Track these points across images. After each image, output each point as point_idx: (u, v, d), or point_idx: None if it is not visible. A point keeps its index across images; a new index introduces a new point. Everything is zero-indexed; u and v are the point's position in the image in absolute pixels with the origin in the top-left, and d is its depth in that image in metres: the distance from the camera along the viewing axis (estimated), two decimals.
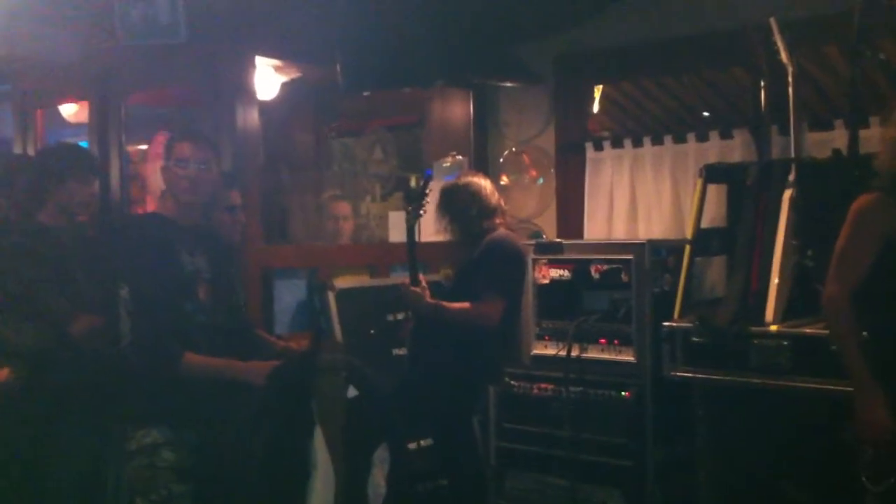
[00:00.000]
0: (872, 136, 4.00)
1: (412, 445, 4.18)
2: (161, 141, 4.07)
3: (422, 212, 3.89)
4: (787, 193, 3.71)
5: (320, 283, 4.24)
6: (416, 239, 4.21)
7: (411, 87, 4.92)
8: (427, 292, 3.82)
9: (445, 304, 3.81)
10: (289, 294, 4.27)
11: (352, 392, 3.33)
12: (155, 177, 3.29)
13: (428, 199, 3.91)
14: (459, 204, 3.99)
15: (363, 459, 3.35)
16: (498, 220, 3.98)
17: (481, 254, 3.86)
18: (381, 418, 3.36)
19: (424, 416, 3.98)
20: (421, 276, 3.88)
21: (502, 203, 4.06)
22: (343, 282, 4.32)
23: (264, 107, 4.56)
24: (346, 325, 4.21)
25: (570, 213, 4.97)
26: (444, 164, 5.12)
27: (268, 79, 4.87)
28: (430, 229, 4.33)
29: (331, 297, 4.21)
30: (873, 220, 2.89)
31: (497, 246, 3.86)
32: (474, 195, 3.98)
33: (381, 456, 3.45)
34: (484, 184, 4.04)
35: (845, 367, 2.97)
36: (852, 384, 2.95)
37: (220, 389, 2.89)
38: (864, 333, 2.95)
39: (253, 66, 4.26)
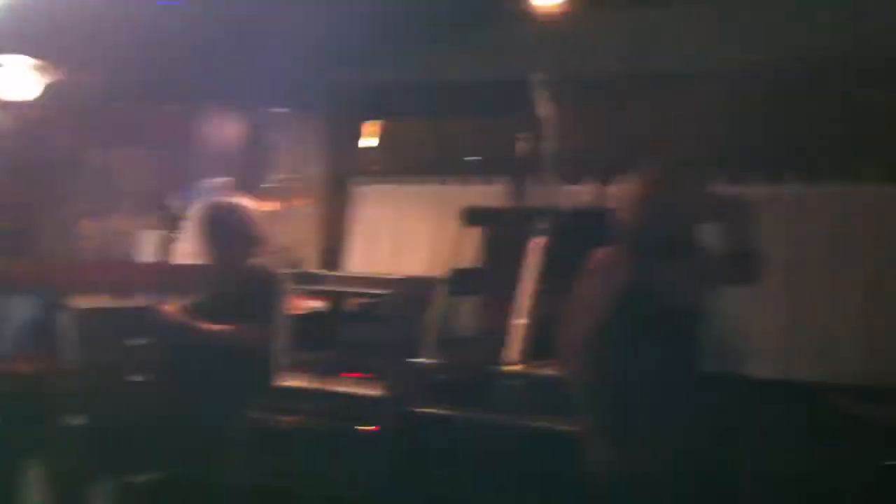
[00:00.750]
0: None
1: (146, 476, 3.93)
2: None
3: (179, 233, 3.73)
4: (538, 240, 3.88)
5: (57, 301, 3.94)
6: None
7: (179, 104, 4.73)
8: (180, 311, 3.65)
9: (202, 324, 3.65)
10: (21, 311, 3.94)
11: (81, 418, 3.10)
12: None
13: (186, 221, 3.76)
14: (220, 228, 3.85)
15: (87, 489, 3.11)
16: (259, 248, 3.87)
17: (239, 279, 3.74)
18: (109, 447, 3.14)
19: (163, 447, 3.76)
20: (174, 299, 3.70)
21: (264, 229, 3.95)
22: (82, 301, 4.04)
23: (19, 107, 4.23)
24: (82, 346, 3.93)
25: (333, 244, 4.95)
26: (210, 186, 4.95)
27: (27, 78, 4.54)
28: (188, 251, 4.16)
29: (67, 316, 3.92)
30: (606, 273, 3.03)
31: (255, 272, 3.76)
32: (234, 219, 3.85)
33: (107, 487, 3.23)
34: (245, 207, 3.92)
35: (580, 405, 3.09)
36: (587, 420, 3.07)
37: None
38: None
39: None
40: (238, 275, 3.77)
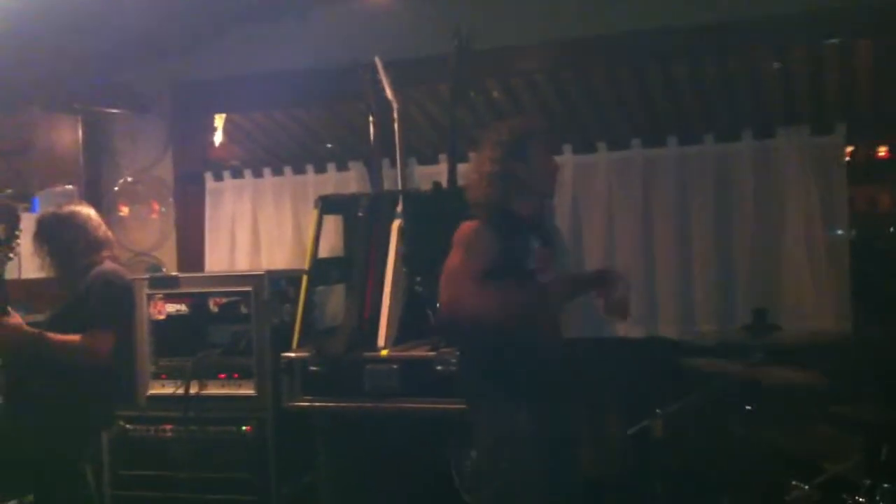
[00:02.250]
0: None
1: None
2: None
3: (14, 244, 3.54)
4: (396, 223, 3.90)
5: None
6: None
7: (7, 110, 4.50)
8: (22, 322, 3.48)
9: (49, 334, 3.49)
10: None
11: None
12: None
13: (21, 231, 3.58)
14: (60, 236, 3.68)
15: None
16: (105, 254, 3.73)
17: (86, 288, 3.60)
18: None
19: (23, 470, 3.60)
20: (13, 312, 3.52)
21: (109, 234, 3.82)
22: None
23: None
24: None
25: (191, 244, 4.84)
26: (52, 194, 4.73)
27: None
28: (33, 265, 3.95)
29: None
30: (479, 244, 3.05)
31: (103, 279, 3.62)
32: (77, 227, 3.70)
33: None
34: (87, 214, 3.77)
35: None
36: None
37: None
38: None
39: None
40: (83, 283, 3.63)
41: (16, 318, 3.50)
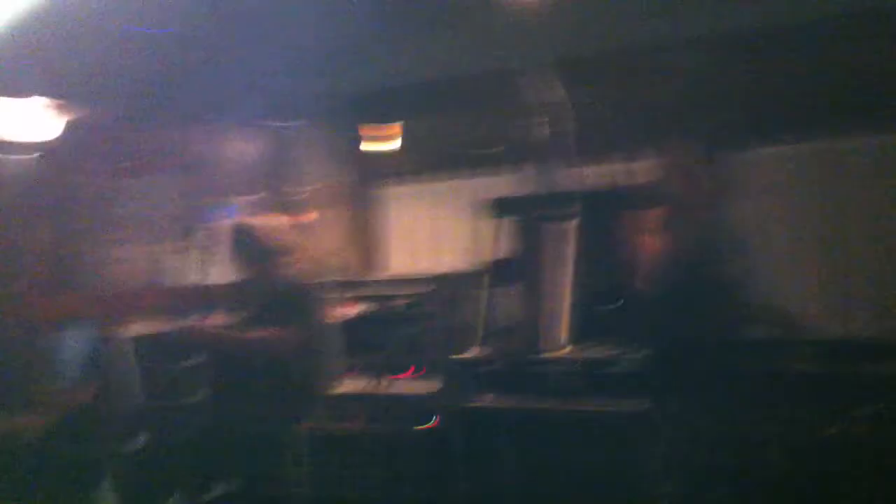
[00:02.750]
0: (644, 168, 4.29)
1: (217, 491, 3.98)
2: None
3: (212, 253, 3.79)
4: (573, 223, 3.89)
5: (108, 330, 4.01)
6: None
7: (203, 123, 4.79)
8: (225, 328, 3.71)
9: (247, 333, 3.70)
10: (76, 344, 4.01)
11: (141, 440, 3.16)
12: None
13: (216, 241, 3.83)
14: (244, 246, 3.91)
15: None
16: (288, 257, 3.92)
17: (273, 290, 3.80)
18: (171, 467, 3.19)
19: (227, 458, 3.80)
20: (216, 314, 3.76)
21: (289, 241, 4.01)
22: (133, 328, 4.10)
23: (46, 148, 4.29)
24: (138, 371, 3.99)
25: (370, 248, 4.99)
26: (244, 203, 5.00)
27: (47, 119, 4.60)
28: (222, 271, 4.20)
29: (121, 344, 3.99)
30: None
31: (289, 282, 3.81)
32: (258, 237, 3.91)
33: None
34: (268, 223, 3.99)
35: None
36: None
37: None
38: None
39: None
40: (271, 288, 3.82)
41: (216, 326, 3.70)
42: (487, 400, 3.76)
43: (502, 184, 4.71)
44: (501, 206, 4.12)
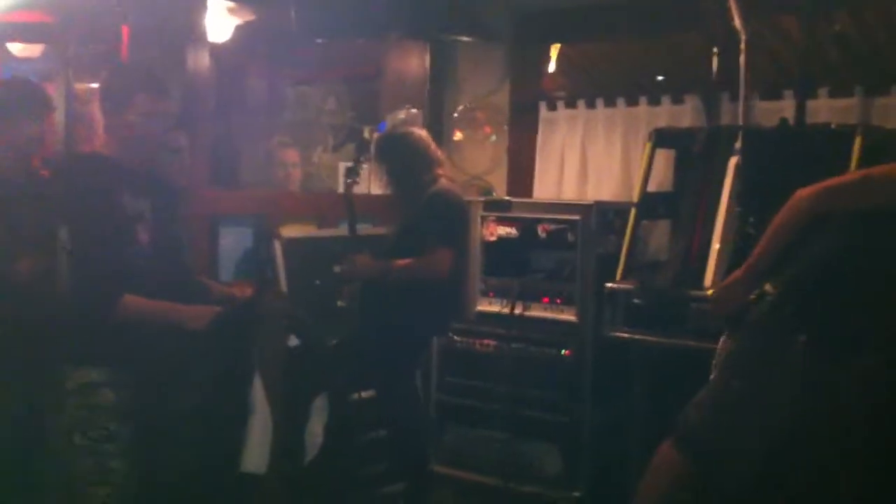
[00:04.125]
0: (820, 107, 4.08)
1: (353, 397, 4.20)
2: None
3: (364, 166, 3.88)
4: (733, 161, 3.75)
5: (267, 230, 4.20)
6: (368, 191, 4.19)
7: (366, 37, 4.86)
8: (369, 257, 3.81)
9: (393, 263, 3.79)
10: (235, 241, 4.23)
11: (293, 341, 3.32)
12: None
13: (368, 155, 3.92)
14: (396, 155, 3.96)
15: (301, 408, 3.34)
16: (439, 171, 3.95)
17: (425, 206, 3.84)
18: (321, 368, 3.36)
19: (369, 368, 4.00)
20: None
21: (440, 154, 4.04)
22: (290, 231, 4.29)
23: (216, 49, 4.47)
24: (291, 274, 4.19)
25: (521, 171, 4.99)
26: (399, 117, 5.08)
27: (221, 21, 4.77)
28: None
29: (277, 245, 4.18)
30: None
31: (441, 197, 3.85)
32: (411, 146, 3.94)
33: (320, 406, 3.45)
34: (420, 134, 4.01)
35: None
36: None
37: (160, 330, 2.87)
38: None
39: (205, 6, 4.17)
40: (420, 200, 3.87)
41: (363, 257, 3.82)
42: (626, 332, 3.75)
43: (662, 115, 4.60)
44: (659, 138, 4.01)
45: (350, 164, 3.97)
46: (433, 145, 4.01)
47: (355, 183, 3.91)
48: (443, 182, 3.92)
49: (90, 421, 2.87)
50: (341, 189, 4.96)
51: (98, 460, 2.86)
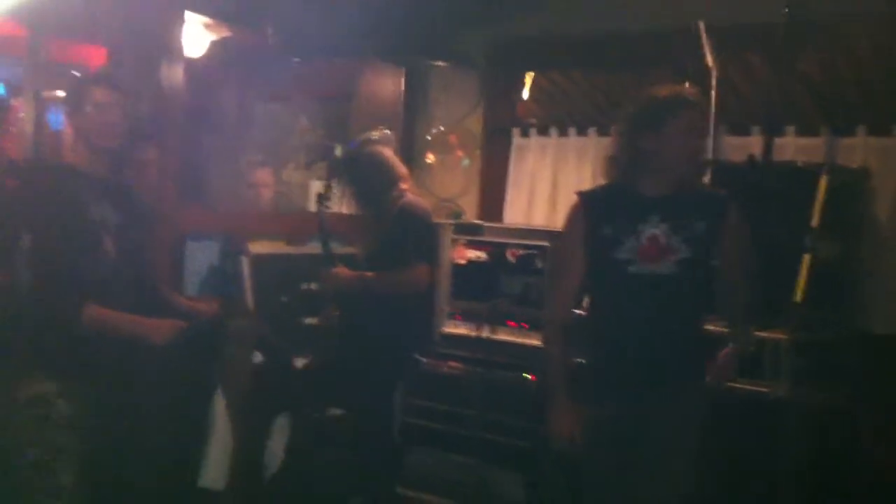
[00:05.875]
0: (787, 144, 4.15)
1: (318, 416, 4.15)
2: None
3: (334, 189, 3.89)
4: None
5: (234, 246, 4.17)
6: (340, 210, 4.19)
7: (342, 57, 4.87)
8: (347, 269, 3.81)
9: (370, 274, 3.78)
10: (201, 257, 4.19)
11: (258, 358, 3.29)
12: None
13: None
14: (361, 174, 3.96)
15: (262, 427, 3.32)
16: (403, 186, 3.96)
17: (396, 221, 3.83)
18: (284, 386, 3.33)
19: (346, 387, 3.96)
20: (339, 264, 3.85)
21: (405, 170, 4.05)
22: (258, 247, 4.26)
23: (190, 65, 4.45)
24: (258, 290, 4.15)
25: (492, 196, 5.02)
26: (369, 136, 5.07)
27: (197, 36, 4.75)
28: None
29: (244, 261, 4.15)
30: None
31: (412, 211, 3.85)
32: (375, 164, 3.94)
33: (282, 424, 3.42)
34: (384, 151, 4.02)
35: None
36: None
37: (120, 343, 2.83)
38: None
39: (182, 20, 4.16)
40: (389, 215, 3.87)
41: (341, 269, 3.81)
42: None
43: None
44: None
45: (322, 186, 3.97)
46: (397, 162, 4.02)
47: (327, 208, 3.90)
48: (409, 197, 3.93)
49: (42, 433, 2.81)
50: (312, 207, 4.95)
51: (49, 474, 2.80)
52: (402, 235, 3.78)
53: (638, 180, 2.82)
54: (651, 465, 2.79)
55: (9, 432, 2.90)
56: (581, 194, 2.97)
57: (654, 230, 2.76)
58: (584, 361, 2.96)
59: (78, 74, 3.52)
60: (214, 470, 2.88)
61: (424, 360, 4.36)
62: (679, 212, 2.77)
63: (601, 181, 4.56)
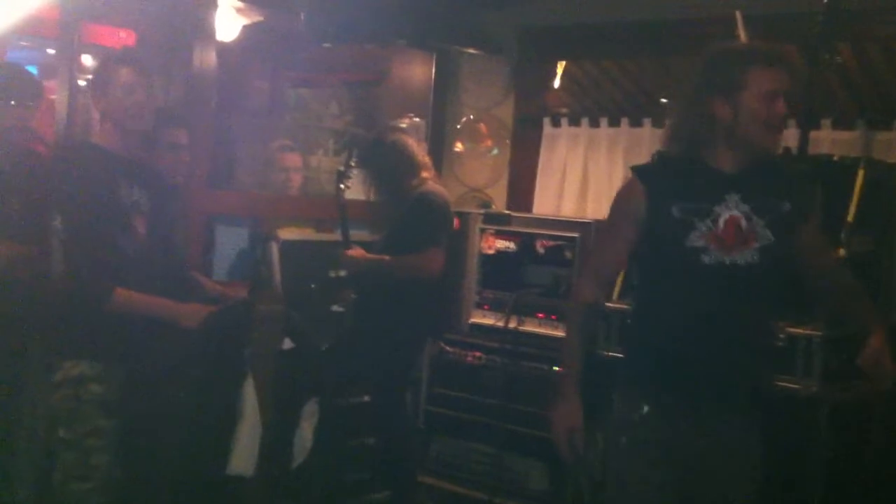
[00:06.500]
0: (822, 138, 4.09)
1: (346, 402, 4.17)
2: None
3: (353, 171, 3.91)
4: None
5: (264, 232, 4.17)
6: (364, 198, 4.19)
7: (373, 43, 4.85)
8: (362, 251, 3.83)
9: (387, 258, 3.81)
10: (231, 241, 4.20)
11: (287, 344, 3.29)
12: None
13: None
14: (382, 161, 3.97)
15: (292, 412, 3.31)
16: (425, 175, 3.96)
17: (413, 207, 3.86)
18: (313, 372, 3.33)
19: (362, 373, 3.98)
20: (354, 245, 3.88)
21: (427, 159, 4.06)
22: (287, 233, 4.25)
23: (222, 48, 4.45)
24: (286, 276, 4.14)
25: (522, 186, 4.99)
26: (401, 125, 5.06)
27: (229, 20, 4.75)
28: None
29: (273, 247, 4.13)
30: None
31: (429, 199, 3.88)
32: (397, 152, 3.96)
33: (311, 410, 3.42)
34: (407, 139, 4.03)
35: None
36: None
37: (151, 326, 2.84)
38: None
39: (215, 4, 4.16)
40: (407, 203, 3.88)
41: (357, 251, 3.83)
42: (618, 354, 3.72)
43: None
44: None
45: (343, 164, 3.98)
46: (420, 150, 4.03)
47: (347, 187, 3.91)
48: (430, 184, 3.94)
49: (76, 414, 2.83)
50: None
51: (81, 455, 2.82)
52: (418, 222, 3.81)
53: (710, 153, 2.42)
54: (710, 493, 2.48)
55: (41, 413, 2.93)
56: (638, 170, 2.54)
57: (734, 212, 2.36)
58: (629, 361, 2.69)
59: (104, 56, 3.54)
60: (244, 456, 2.88)
61: (450, 349, 4.36)
62: (762, 190, 2.38)
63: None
